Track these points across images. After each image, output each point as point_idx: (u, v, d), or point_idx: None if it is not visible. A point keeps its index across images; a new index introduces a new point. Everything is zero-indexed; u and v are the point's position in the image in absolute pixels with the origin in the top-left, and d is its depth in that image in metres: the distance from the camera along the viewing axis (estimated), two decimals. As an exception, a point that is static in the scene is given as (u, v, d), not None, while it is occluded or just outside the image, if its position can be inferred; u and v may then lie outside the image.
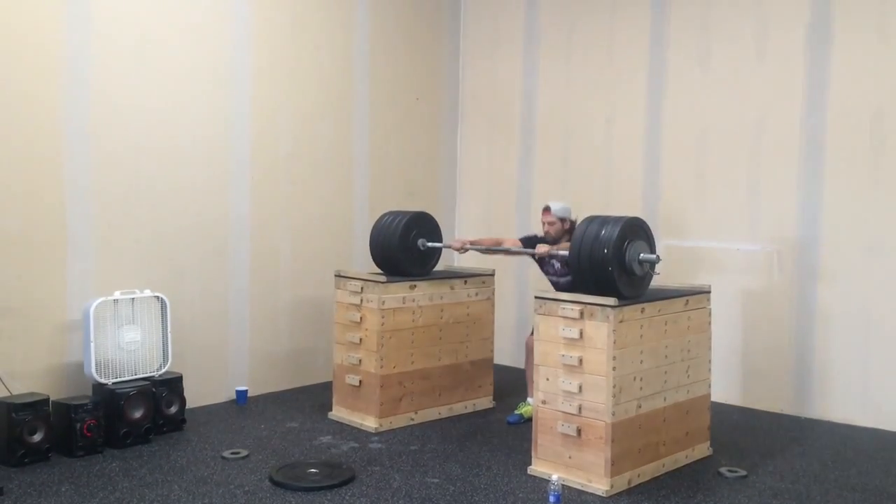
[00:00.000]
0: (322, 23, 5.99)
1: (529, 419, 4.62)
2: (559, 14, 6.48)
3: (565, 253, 4.39)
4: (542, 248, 4.81)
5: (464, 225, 7.05)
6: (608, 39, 6.19)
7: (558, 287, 5.02)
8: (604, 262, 3.89)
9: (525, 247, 5.11)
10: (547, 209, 5.00)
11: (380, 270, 5.18)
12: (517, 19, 6.72)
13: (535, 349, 4.22)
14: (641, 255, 4.00)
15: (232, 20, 5.41)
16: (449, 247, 5.36)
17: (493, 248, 5.34)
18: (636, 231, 4.04)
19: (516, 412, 5.12)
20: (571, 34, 6.41)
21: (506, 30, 6.81)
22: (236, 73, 5.46)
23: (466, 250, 5.33)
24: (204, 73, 5.28)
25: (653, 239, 4.13)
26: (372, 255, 5.22)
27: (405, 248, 5.09)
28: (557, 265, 4.98)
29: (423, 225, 5.23)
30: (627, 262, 3.96)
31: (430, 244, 5.22)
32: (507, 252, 5.37)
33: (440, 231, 5.38)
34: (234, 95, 5.46)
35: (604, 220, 4.02)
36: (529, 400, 4.95)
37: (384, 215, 5.26)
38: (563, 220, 4.97)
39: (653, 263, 4.02)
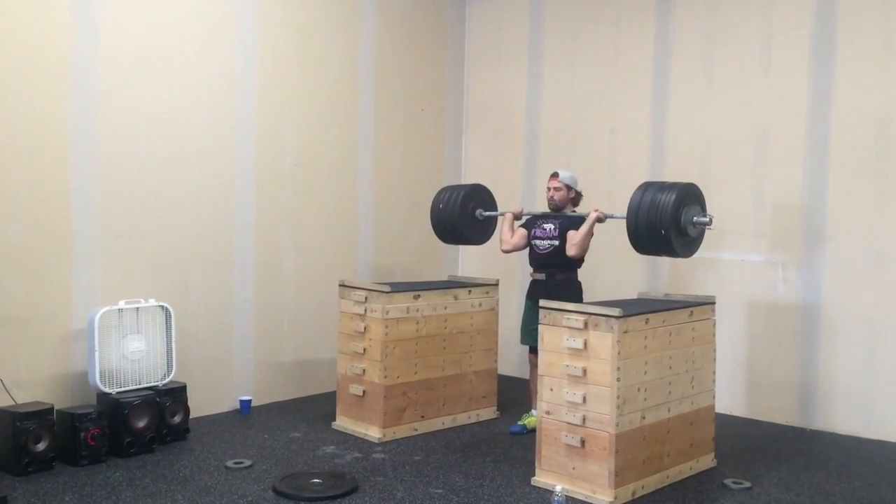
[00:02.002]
0: (328, 33, 6.01)
1: (533, 430, 4.62)
2: (563, 24, 6.50)
3: (623, 215, 4.45)
4: (594, 213, 4.81)
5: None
6: (612, 49, 6.21)
7: (538, 250, 5.02)
8: (660, 225, 4.13)
9: (530, 226, 5.13)
10: (555, 175, 5.05)
11: (445, 242, 5.65)
12: (521, 29, 6.75)
13: (539, 359, 4.22)
14: (695, 217, 4.25)
15: (238, 31, 5.43)
16: (503, 214, 5.38)
17: (548, 214, 5.34)
18: (690, 196, 4.26)
19: (520, 423, 5.11)
20: (576, 44, 6.43)
21: (510, 40, 6.83)
22: (242, 84, 5.48)
23: (521, 216, 5.31)
24: (210, 85, 5.30)
25: (704, 202, 4.38)
26: (434, 228, 5.52)
27: (465, 218, 5.37)
28: (550, 227, 4.99)
29: (480, 196, 5.49)
30: (682, 225, 4.19)
31: (486, 213, 5.46)
32: (563, 214, 5.22)
33: (495, 201, 5.57)
34: (240, 106, 5.48)
35: (660, 186, 4.27)
36: (533, 411, 4.94)
37: (442, 190, 5.51)
38: (569, 187, 5.03)
39: (705, 224, 4.31)
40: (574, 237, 4.86)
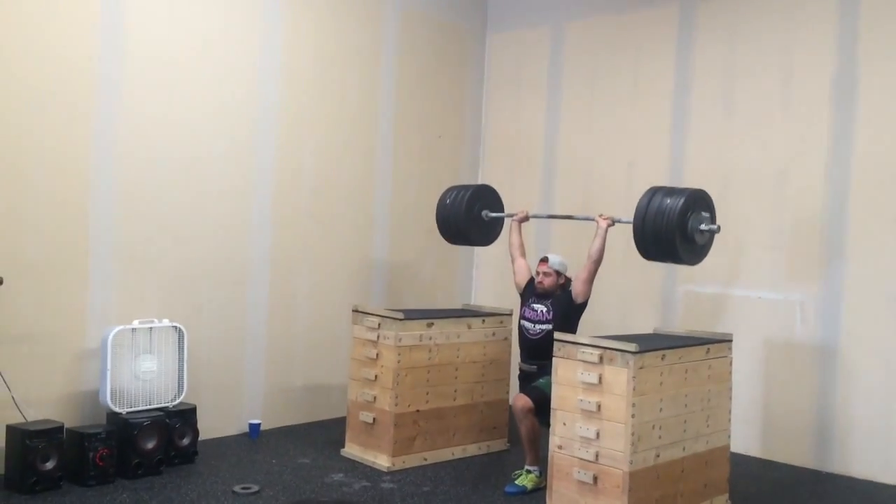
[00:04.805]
0: (349, 62, 6.05)
1: (535, 490, 4.50)
2: (583, 56, 6.52)
3: (629, 220, 4.37)
4: (603, 220, 4.70)
5: (483, 262, 7.03)
6: (632, 81, 6.21)
7: (528, 334, 4.77)
8: (667, 231, 4.09)
9: (524, 289, 4.93)
10: (544, 259, 4.86)
11: (450, 243, 5.54)
12: (541, 60, 6.77)
13: (553, 392, 4.13)
14: (702, 224, 4.22)
15: (259, 57, 5.48)
16: (511, 216, 5.33)
17: (555, 215, 5.42)
18: (698, 202, 4.22)
19: (516, 482, 4.61)
20: (595, 76, 6.44)
21: (530, 70, 6.85)
22: (262, 109, 5.51)
23: (527, 219, 5.24)
24: (231, 111, 5.34)
25: (714, 209, 4.33)
26: (439, 227, 5.43)
27: (471, 219, 5.31)
28: (542, 308, 4.76)
29: (486, 197, 5.43)
30: (689, 231, 4.14)
31: (492, 214, 5.40)
32: (571, 217, 5.32)
33: (502, 202, 5.52)
34: (260, 132, 5.51)
35: (669, 191, 4.23)
36: (528, 468, 4.63)
37: (448, 190, 5.44)
38: (558, 273, 4.82)
39: (713, 232, 4.28)
40: (593, 255, 4.64)
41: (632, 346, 3.82)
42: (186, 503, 4.10)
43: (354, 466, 4.86)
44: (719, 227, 4.30)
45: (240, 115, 5.39)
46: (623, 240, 6.13)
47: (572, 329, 4.65)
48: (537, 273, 4.87)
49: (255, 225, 5.51)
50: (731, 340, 4.44)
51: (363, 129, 6.19)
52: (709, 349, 4.28)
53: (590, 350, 3.96)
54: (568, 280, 4.87)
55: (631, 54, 6.23)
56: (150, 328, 4.74)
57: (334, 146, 5.99)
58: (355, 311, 5.18)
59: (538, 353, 4.68)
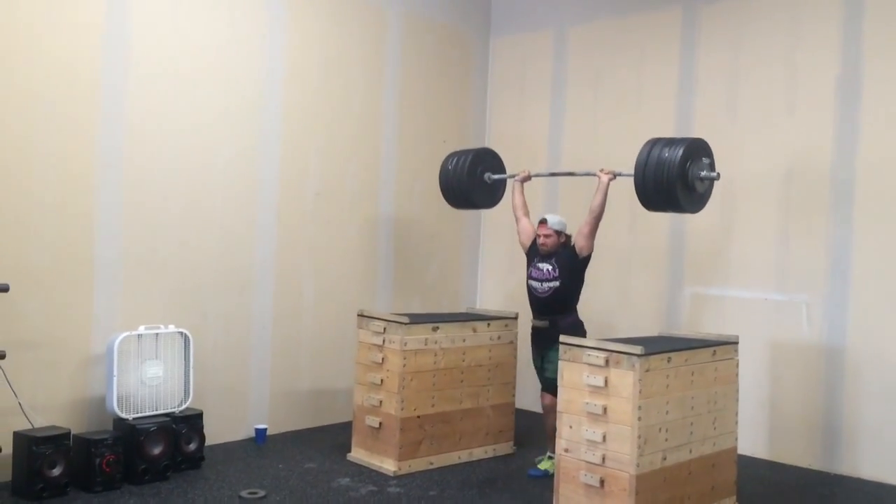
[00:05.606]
0: (353, 66, 6.06)
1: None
2: (586, 60, 6.52)
3: (630, 173, 4.43)
4: (604, 174, 4.79)
5: (488, 264, 7.03)
6: (636, 84, 6.21)
7: (536, 293, 4.89)
8: (668, 181, 4.14)
9: (529, 248, 5.03)
10: (543, 221, 4.92)
11: (455, 207, 5.63)
12: (545, 63, 6.76)
13: (558, 396, 4.15)
14: (703, 172, 4.27)
15: (263, 64, 5.49)
16: (512, 177, 5.36)
17: (556, 173, 5.58)
18: (698, 150, 4.26)
19: (539, 466, 4.94)
20: (598, 80, 6.44)
21: (533, 74, 6.85)
22: (267, 116, 5.52)
23: (529, 178, 5.29)
24: (235, 115, 5.35)
25: (713, 157, 4.38)
26: (443, 193, 5.52)
27: (474, 182, 5.39)
28: (548, 267, 4.86)
29: (487, 160, 5.50)
30: (690, 180, 4.19)
31: (495, 176, 5.47)
32: (572, 174, 5.40)
33: (503, 164, 5.56)
34: (265, 136, 5.52)
35: (668, 141, 4.27)
36: (550, 454, 4.80)
37: (449, 156, 5.52)
38: (558, 232, 4.90)
39: (713, 179, 4.33)
40: (595, 209, 4.75)
41: (637, 349, 3.81)
42: (193, 509, 4.10)
43: (361, 471, 4.86)
44: (719, 175, 4.35)
45: (244, 121, 5.40)
46: (628, 241, 6.14)
47: (579, 282, 4.89)
48: (538, 235, 4.94)
49: (259, 230, 5.52)
50: (737, 342, 4.43)
51: (367, 134, 6.20)
52: (715, 351, 4.27)
53: (595, 353, 3.95)
54: (569, 237, 4.95)
55: (634, 56, 6.22)
56: (156, 334, 4.75)
57: (339, 151, 6.00)
58: (360, 315, 5.18)
59: (548, 310, 4.87)
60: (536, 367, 5.04)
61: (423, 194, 6.61)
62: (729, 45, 5.73)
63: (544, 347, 4.86)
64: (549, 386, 4.74)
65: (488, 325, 5.30)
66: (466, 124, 6.98)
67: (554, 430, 4.59)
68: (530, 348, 5.05)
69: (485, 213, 7.05)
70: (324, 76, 5.87)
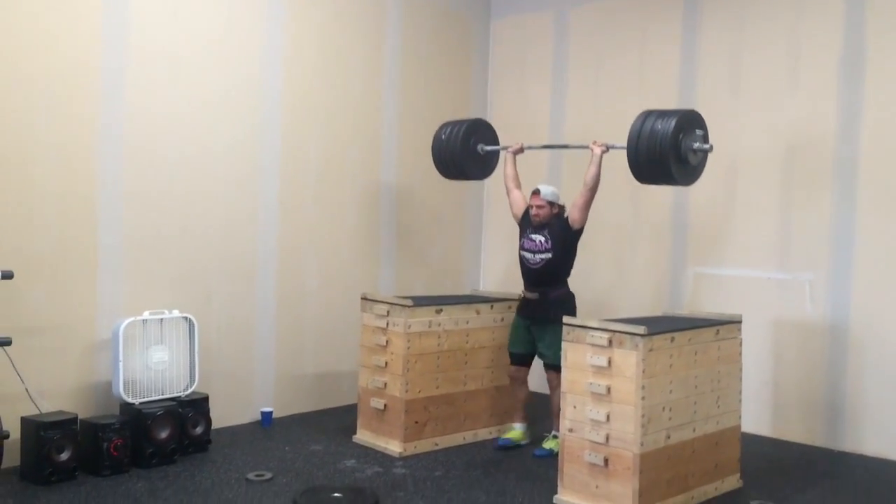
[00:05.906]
0: (353, 48, 6.04)
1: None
2: (587, 40, 6.48)
3: (623, 145, 4.43)
4: (597, 147, 4.79)
5: (491, 246, 7.04)
6: (637, 62, 6.18)
7: (529, 264, 4.91)
8: (661, 153, 4.12)
9: (521, 219, 5.05)
10: (536, 192, 4.91)
11: (447, 178, 5.62)
12: (546, 44, 6.73)
13: (562, 376, 4.16)
14: (696, 144, 4.25)
15: (263, 48, 5.47)
16: (505, 149, 5.37)
17: (550, 145, 5.64)
18: (692, 122, 4.24)
19: (544, 446, 4.97)
20: (600, 59, 6.41)
21: (534, 54, 6.82)
22: (267, 100, 5.51)
23: (522, 150, 5.30)
24: (236, 100, 5.34)
25: (706, 129, 4.30)
26: (436, 163, 5.54)
27: (467, 153, 5.40)
28: (540, 238, 4.88)
29: (481, 131, 5.51)
30: (683, 152, 4.18)
31: (488, 148, 5.46)
32: (566, 147, 5.47)
33: (497, 136, 5.58)
34: (265, 120, 5.51)
35: (661, 113, 4.25)
36: (555, 433, 4.84)
37: (443, 126, 5.53)
38: (551, 203, 4.90)
39: (706, 151, 4.29)
40: (589, 182, 4.74)
41: (641, 329, 3.82)
42: (201, 491, 4.14)
43: (366, 453, 4.89)
44: (712, 147, 4.33)
45: (244, 106, 5.39)
46: (632, 224, 6.14)
47: (571, 254, 4.93)
48: (531, 206, 4.94)
49: (262, 214, 5.52)
50: (740, 321, 4.44)
51: (368, 118, 6.19)
52: (718, 330, 4.28)
53: (599, 333, 3.96)
54: (562, 208, 4.95)
55: (636, 36, 6.19)
56: (161, 319, 4.77)
57: (339, 135, 5.99)
58: (364, 298, 5.19)
59: (540, 281, 4.91)
60: (516, 340, 5.07)
61: (425, 177, 6.58)
62: (731, 23, 5.70)
63: (534, 322, 4.93)
64: (547, 366, 4.88)
65: (491, 307, 5.31)
66: (467, 107, 6.95)
67: (558, 408, 4.64)
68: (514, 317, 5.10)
69: (488, 195, 7.05)
70: (323, 60, 5.85)
